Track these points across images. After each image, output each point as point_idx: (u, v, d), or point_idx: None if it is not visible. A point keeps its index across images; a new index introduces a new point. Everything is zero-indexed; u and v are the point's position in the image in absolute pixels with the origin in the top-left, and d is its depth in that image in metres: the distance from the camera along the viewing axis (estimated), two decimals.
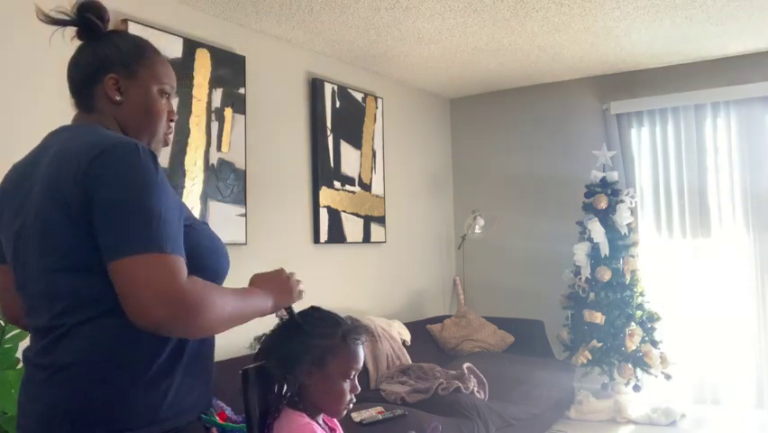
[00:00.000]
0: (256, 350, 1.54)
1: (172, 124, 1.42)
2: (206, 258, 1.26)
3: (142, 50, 1.36)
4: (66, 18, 1.32)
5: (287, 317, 1.50)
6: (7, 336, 2.24)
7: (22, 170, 1.30)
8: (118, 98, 1.32)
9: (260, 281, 1.40)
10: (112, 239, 1.12)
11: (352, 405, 1.55)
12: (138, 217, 1.12)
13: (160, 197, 1.16)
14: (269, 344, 1.52)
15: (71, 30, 1.34)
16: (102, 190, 1.14)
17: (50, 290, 1.19)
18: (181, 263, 1.14)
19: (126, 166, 1.15)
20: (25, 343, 2.32)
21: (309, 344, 1.48)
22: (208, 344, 1.33)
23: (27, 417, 1.22)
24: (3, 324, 2.26)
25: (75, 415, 1.15)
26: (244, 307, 1.27)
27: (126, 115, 1.33)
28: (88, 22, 1.32)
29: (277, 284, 1.40)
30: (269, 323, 1.53)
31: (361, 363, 1.55)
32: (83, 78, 1.33)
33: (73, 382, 1.16)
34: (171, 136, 1.44)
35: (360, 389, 1.57)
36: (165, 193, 1.18)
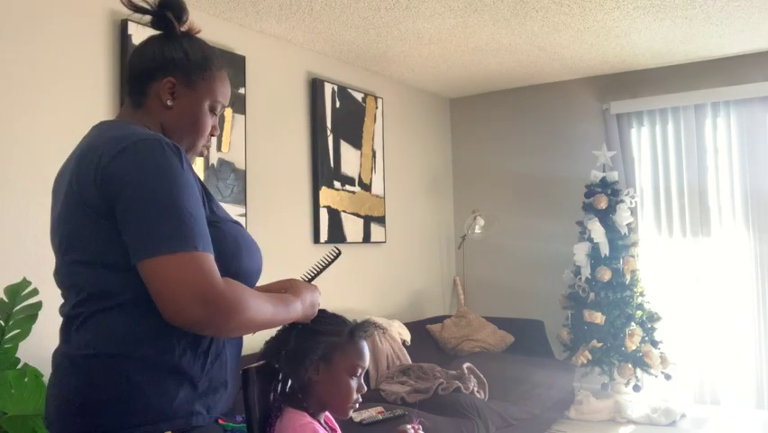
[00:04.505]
0: (262, 351, 1.55)
1: (213, 139, 1.43)
2: (224, 261, 1.23)
3: (208, 64, 1.35)
4: (146, 8, 1.33)
5: None
6: (7, 336, 2.24)
7: (63, 167, 1.32)
8: (169, 103, 1.32)
9: (299, 290, 1.41)
10: (141, 237, 1.12)
11: (357, 405, 1.55)
12: (167, 215, 1.12)
13: (187, 194, 1.16)
14: (275, 342, 1.53)
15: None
16: (126, 188, 1.14)
17: (72, 282, 1.22)
18: (213, 262, 1.15)
19: (151, 163, 1.15)
20: (25, 343, 2.32)
21: (317, 340, 1.49)
22: (232, 351, 1.31)
23: (48, 406, 1.24)
24: (2, 324, 2.26)
25: (85, 406, 1.16)
26: (278, 313, 1.29)
27: (172, 121, 1.33)
28: (166, 19, 1.33)
29: (312, 299, 1.44)
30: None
31: (367, 362, 1.57)
32: (142, 71, 1.33)
33: (84, 372, 1.17)
34: (207, 150, 1.44)
35: (366, 388, 1.58)
36: (192, 190, 1.18)
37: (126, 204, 1.14)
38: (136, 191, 1.13)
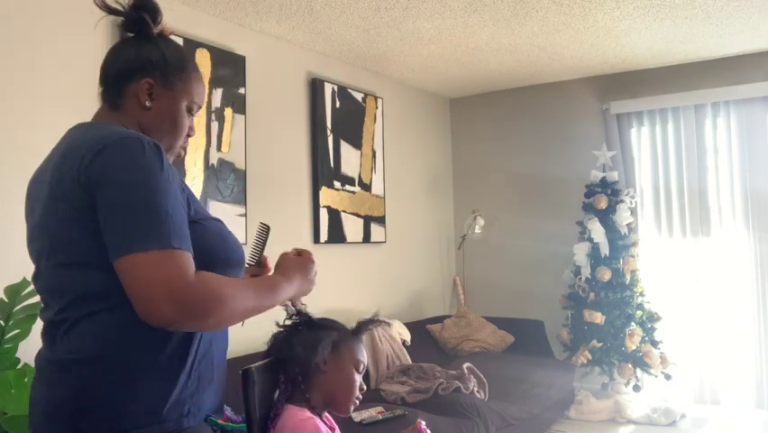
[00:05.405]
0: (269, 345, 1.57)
1: (189, 140, 1.43)
2: (211, 256, 1.24)
3: (184, 64, 1.36)
4: (121, 10, 1.32)
5: (292, 308, 1.55)
6: (7, 336, 2.25)
7: (39, 172, 1.31)
8: (148, 104, 1.32)
9: (287, 268, 1.40)
10: (117, 235, 1.12)
11: (358, 402, 1.58)
12: (143, 213, 1.12)
13: (165, 191, 1.15)
14: (283, 337, 1.54)
15: (101, 23, 1.34)
16: (105, 186, 1.14)
17: (57, 286, 1.20)
18: (189, 259, 1.14)
19: (129, 161, 1.15)
20: (25, 343, 2.32)
21: (324, 334, 1.55)
22: (219, 345, 1.32)
23: (34, 411, 1.23)
24: (2, 324, 2.26)
25: (73, 411, 1.15)
26: (263, 298, 1.27)
27: (150, 122, 1.33)
28: (142, 20, 1.33)
29: (303, 274, 1.41)
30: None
31: (366, 360, 1.62)
32: (119, 72, 1.33)
33: (73, 378, 1.16)
34: (184, 151, 1.45)
35: (366, 387, 1.61)
36: (170, 187, 1.17)
37: (104, 202, 1.13)
38: (114, 189, 1.13)
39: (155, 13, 1.34)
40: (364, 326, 1.62)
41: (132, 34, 1.36)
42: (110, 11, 1.32)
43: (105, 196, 1.13)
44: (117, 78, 1.33)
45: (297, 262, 1.43)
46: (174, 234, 1.13)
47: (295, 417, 1.47)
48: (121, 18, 1.34)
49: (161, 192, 1.15)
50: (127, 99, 1.32)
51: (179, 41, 3.30)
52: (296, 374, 1.51)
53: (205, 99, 3.43)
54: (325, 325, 1.57)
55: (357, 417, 3.05)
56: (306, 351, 1.51)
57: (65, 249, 1.19)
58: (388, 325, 4.03)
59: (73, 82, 2.86)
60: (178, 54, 1.36)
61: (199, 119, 3.41)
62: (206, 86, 3.44)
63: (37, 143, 2.69)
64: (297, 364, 1.51)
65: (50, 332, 1.22)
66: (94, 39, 2.97)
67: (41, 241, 1.23)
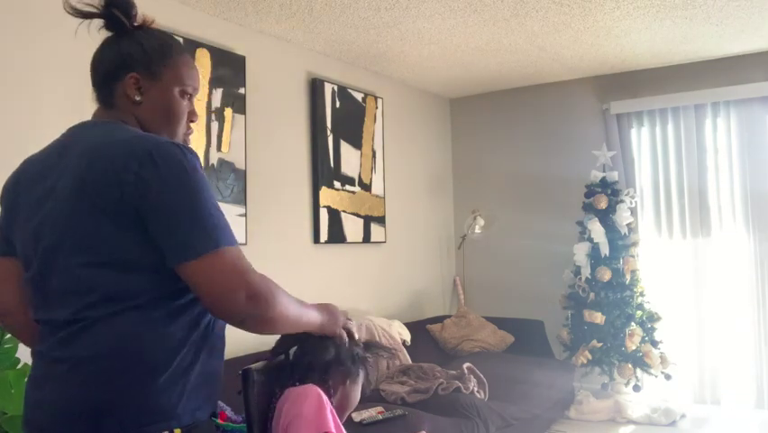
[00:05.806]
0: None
1: (193, 125, 1.43)
2: None
3: (167, 51, 1.34)
4: (93, 11, 1.31)
5: None
6: (7, 336, 2.24)
7: (43, 163, 1.29)
8: (138, 98, 1.31)
9: (319, 304, 1.45)
10: (180, 241, 1.15)
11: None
12: (204, 215, 1.16)
13: (209, 190, 1.20)
14: (298, 337, 1.51)
15: (98, 22, 1.33)
16: (158, 193, 1.15)
17: (77, 285, 1.19)
18: (243, 253, 1.21)
19: (177, 167, 1.17)
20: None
21: (365, 358, 1.58)
22: (221, 342, 1.33)
23: (39, 411, 1.21)
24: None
25: (93, 410, 1.15)
26: (301, 312, 1.32)
27: (146, 115, 1.32)
28: (114, 17, 1.31)
29: (330, 311, 1.46)
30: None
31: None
32: (105, 74, 1.32)
33: (93, 376, 1.16)
34: (191, 137, 1.44)
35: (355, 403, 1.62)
36: (209, 186, 1.22)
37: (159, 209, 1.15)
38: (168, 197, 1.15)
39: (127, 6, 1.33)
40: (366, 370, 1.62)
41: (113, 33, 1.35)
42: (83, 15, 1.31)
43: (159, 203, 1.15)
44: (105, 78, 1.32)
45: (330, 304, 1.49)
46: (229, 231, 1.19)
47: (297, 388, 1.45)
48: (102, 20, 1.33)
49: (207, 192, 1.19)
50: (118, 98, 1.32)
51: (179, 41, 3.30)
52: (298, 374, 1.49)
53: (202, 82, 3.43)
54: (366, 358, 1.59)
55: (357, 417, 3.06)
56: (353, 364, 1.53)
57: (93, 250, 1.18)
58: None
59: (80, 82, 2.86)
60: (159, 42, 1.34)
61: (199, 119, 3.40)
62: (206, 86, 3.44)
63: (41, 145, 2.70)
64: (330, 367, 1.50)
65: (59, 330, 1.20)
66: (93, 37, 2.97)
67: (58, 238, 1.21)
